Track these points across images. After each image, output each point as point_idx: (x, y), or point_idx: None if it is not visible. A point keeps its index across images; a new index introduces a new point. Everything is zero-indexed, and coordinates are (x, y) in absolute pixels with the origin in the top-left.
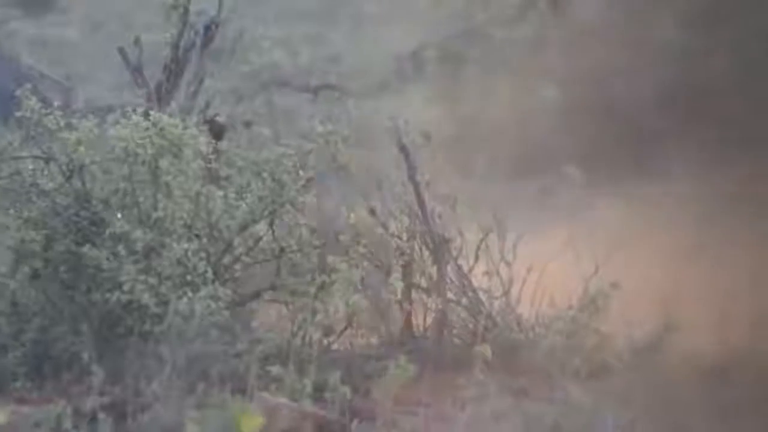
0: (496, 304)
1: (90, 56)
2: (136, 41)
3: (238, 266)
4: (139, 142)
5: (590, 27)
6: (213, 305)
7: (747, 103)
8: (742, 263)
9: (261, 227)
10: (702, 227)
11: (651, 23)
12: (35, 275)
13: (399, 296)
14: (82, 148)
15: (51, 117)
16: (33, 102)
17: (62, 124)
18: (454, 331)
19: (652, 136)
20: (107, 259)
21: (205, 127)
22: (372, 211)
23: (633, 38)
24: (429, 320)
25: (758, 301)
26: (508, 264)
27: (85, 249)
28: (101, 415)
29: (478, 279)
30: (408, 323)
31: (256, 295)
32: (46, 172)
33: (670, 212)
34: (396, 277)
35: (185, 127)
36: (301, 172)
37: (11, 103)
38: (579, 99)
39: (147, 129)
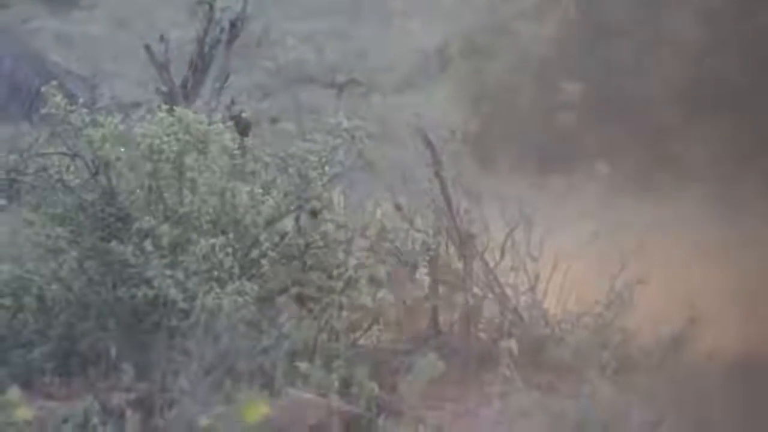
0: (523, 299)
1: (116, 53)
2: (162, 38)
3: (264, 262)
4: (165, 138)
5: (612, 24)
6: (240, 300)
7: None
8: (766, 259)
9: (287, 223)
10: (727, 223)
11: (673, 20)
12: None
13: (425, 292)
14: (107, 145)
15: (76, 114)
16: (59, 99)
17: (88, 120)
18: (480, 327)
19: (677, 133)
20: (134, 254)
21: (231, 123)
22: (398, 207)
23: (657, 35)
24: (455, 316)
25: None
26: (535, 259)
27: (112, 245)
28: (128, 411)
29: (505, 274)
30: (434, 319)
31: (283, 290)
32: (72, 169)
33: (695, 209)
34: (422, 272)
35: (211, 123)
36: (326, 168)
37: (37, 100)
38: (604, 95)
39: (172, 125)
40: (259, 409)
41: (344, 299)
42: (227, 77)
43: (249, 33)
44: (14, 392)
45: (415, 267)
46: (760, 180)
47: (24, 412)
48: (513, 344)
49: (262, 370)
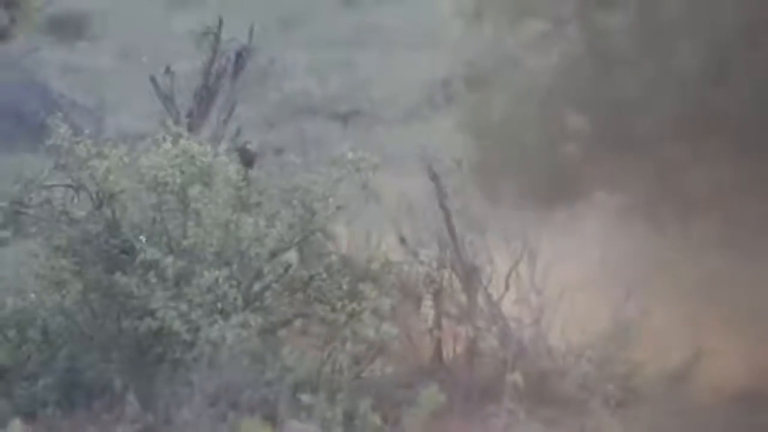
0: (527, 332)
1: (121, 84)
2: (167, 69)
3: (268, 294)
4: (169, 170)
5: (618, 56)
6: (243, 333)
7: None
8: None
9: (291, 255)
10: (732, 255)
11: (679, 52)
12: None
13: (429, 324)
14: (112, 177)
15: (81, 145)
16: (64, 130)
17: (93, 152)
18: (484, 360)
19: (682, 165)
20: (137, 286)
21: (236, 155)
22: (402, 239)
23: (662, 67)
24: (459, 348)
25: None
26: (539, 292)
27: (116, 276)
28: None
29: (509, 307)
30: (438, 351)
31: (287, 322)
32: (76, 201)
33: (699, 241)
34: (426, 305)
35: (215, 155)
36: (331, 200)
37: (42, 131)
38: (609, 127)
39: (177, 157)
40: None
41: (348, 332)
42: (233, 108)
43: (254, 64)
44: (16, 426)
45: (419, 299)
46: (765, 211)
47: None
48: (518, 377)
49: (265, 402)
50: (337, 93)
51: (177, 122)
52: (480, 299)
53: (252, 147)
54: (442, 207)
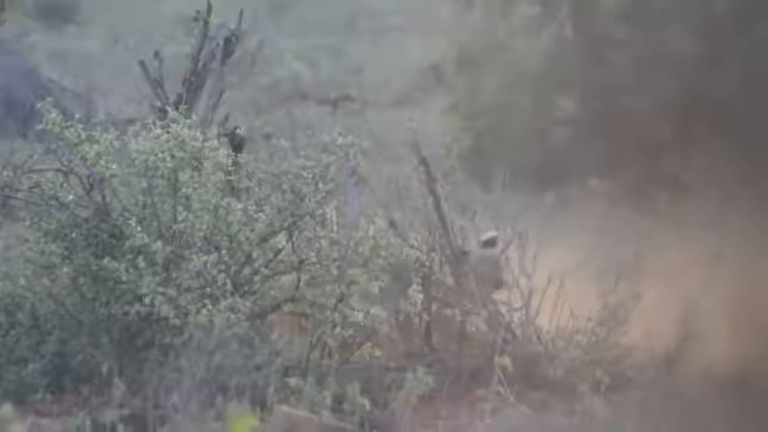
0: (516, 316)
1: (110, 69)
2: (156, 54)
3: (257, 278)
4: (160, 155)
5: (608, 40)
6: (233, 317)
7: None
8: (761, 273)
9: (280, 239)
10: (721, 237)
11: (666, 37)
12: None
13: (418, 308)
14: (102, 161)
15: (72, 130)
16: (54, 115)
17: (83, 136)
18: (473, 343)
19: (673, 149)
20: (127, 271)
21: (225, 140)
22: (392, 223)
23: (653, 51)
24: (448, 332)
25: None
26: (528, 276)
27: (106, 261)
28: (121, 428)
29: (498, 291)
30: (427, 335)
31: (276, 307)
32: (65, 185)
33: (690, 225)
34: (415, 289)
35: (205, 140)
36: (320, 184)
37: (32, 116)
38: (599, 111)
39: (167, 142)
40: (248, 422)
41: (337, 316)
42: (221, 94)
43: (244, 49)
44: (6, 409)
45: (408, 283)
46: (756, 195)
47: (17, 429)
48: (507, 361)
49: (254, 386)
50: (326, 78)
51: (165, 107)
52: (469, 283)
53: (241, 132)
54: (431, 191)
